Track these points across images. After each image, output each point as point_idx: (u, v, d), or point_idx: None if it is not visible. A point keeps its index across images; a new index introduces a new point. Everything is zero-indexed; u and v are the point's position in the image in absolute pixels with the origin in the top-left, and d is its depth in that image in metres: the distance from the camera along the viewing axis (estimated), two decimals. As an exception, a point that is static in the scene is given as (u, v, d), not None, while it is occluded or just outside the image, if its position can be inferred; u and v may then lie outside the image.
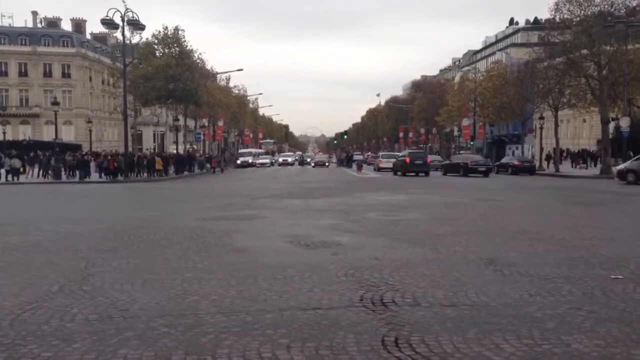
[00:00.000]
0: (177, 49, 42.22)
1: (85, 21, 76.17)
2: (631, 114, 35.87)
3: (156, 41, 42.17)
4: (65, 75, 68.40)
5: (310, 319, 4.87)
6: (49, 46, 68.31)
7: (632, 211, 14.70)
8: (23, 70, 67.49)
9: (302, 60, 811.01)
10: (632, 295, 5.65)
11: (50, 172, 33.97)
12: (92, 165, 36.75)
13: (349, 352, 4.08)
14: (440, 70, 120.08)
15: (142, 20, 33.37)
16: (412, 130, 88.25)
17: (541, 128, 41.81)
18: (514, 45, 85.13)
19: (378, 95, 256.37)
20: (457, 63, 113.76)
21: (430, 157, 43.27)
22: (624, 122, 32.69)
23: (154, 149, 64.66)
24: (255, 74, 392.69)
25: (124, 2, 32.75)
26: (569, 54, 34.89)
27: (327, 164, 64.33)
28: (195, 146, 60.31)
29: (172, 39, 42.20)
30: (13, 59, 67.11)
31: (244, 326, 4.67)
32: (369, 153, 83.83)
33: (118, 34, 37.24)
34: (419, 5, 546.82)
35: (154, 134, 74.57)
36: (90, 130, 49.44)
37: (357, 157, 63.31)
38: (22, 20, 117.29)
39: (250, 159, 61.58)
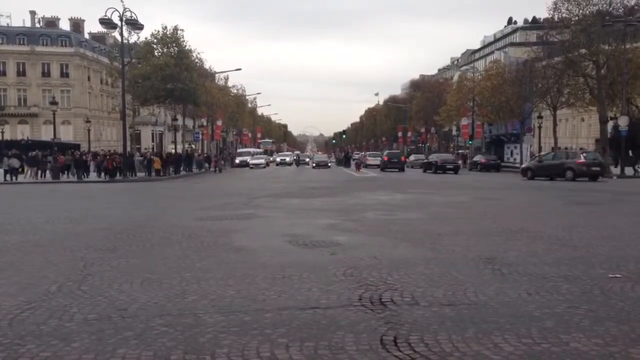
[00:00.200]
0: (176, 48, 42.21)
1: (84, 21, 76.17)
2: (629, 113, 35.90)
3: (155, 41, 42.16)
4: (64, 74, 68.35)
5: (309, 318, 4.87)
6: (47, 46, 68.27)
7: (631, 211, 14.70)
8: (21, 70, 67.44)
9: (301, 60, 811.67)
10: (631, 294, 5.66)
11: (48, 171, 33.98)
12: (91, 164, 36.78)
13: (348, 352, 4.08)
14: (439, 70, 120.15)
15: (141, 20, 33.41)
16: (411, 129, 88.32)
17: (540, 127, 41.88)
18: (512, 44, 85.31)
19: (377, 94, 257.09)
20: (455, 62, 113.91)
21: (413, 157, 56.50)
22: (623, 121, 32.71)
23: (153, 148, 64.57)
24: (253, 74, 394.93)
25: (122, 1, 32.80)
26: (568, 53, 34.96)
27: (329, 164, 58.49)
28: (193, 146, 60.28)
29: (170, 39, 42.20)
30: (11, 58, 67.06)
31: (242, 326, 4.67)
32: (361, 152, 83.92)
33: (116, 34, 37.16)
34: (417, 5, 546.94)
35: (153, 134, 74.47)
36: (89, 130, 49.45)
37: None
38: (20, 19, 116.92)
39: (248, 159, 61.17)
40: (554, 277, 6.33)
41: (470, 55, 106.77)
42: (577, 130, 66.07)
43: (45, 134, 58.02)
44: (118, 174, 33.71)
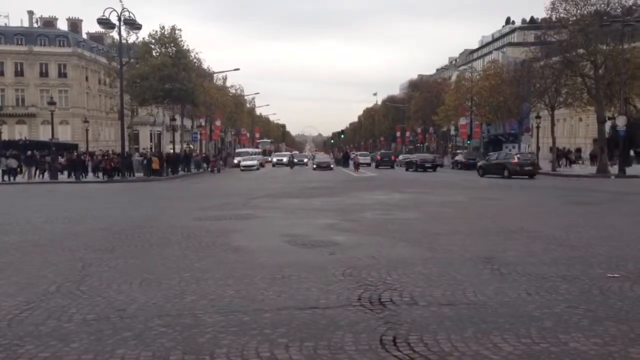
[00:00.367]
0: (174, 48, 42.13)
1: (82, 21, 75.99)
2: (627, 112, 35.92)
3: (153, 41, 42.09)
4: (62, 75, 68.20)
5: (308, 318, 4.87)
6: (45, 46, 68.12)
7: (630, 211, 14.72)
8: (19, 70, 67.29)
9: (301, 60, 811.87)
10: (629, 293, 5.67)
11: (47, 171, 33.95)
12: (89, 165, 36.73)
13: (347, 352, 4.08)
14: (437, 70, 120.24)
15: (140, 20, 33.38)
16: (409, 129, 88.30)
17: (537, 127, 41.90)
18: (510, 44, 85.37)
19: (375, 94, 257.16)
20: (453, 62, 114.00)
21: (402, 156, 60.94)
22: (620, 121, 32.72)
23: (151, 148, 64.49)
24: (253, 74, 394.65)
25: (120, 1, 32.73)
26: (566, 53, 34.93)
27: (331, 165, 50.55)
28: (192, 146, 60.21)
29: (168, 39, 42.11)
30: (9, 58, 66.91)
31: (242, 326, 4.67)
32: (355, 153, 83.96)
33: (114, 34, 37.12)
34: (417, 5, 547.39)
35: (151, 134, 74.36)
36: (87, 130, 49.37)
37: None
38: (18, 19, 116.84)
39: (240, 160, 60.07)
40: (552, 277, 6.34)
41: (469, 55, 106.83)
42: (575, 130, 66.14)
43: (43, 134, 57.92)
44: (116, 174, 33.67)
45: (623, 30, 32.13)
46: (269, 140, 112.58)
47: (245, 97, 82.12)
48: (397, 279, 6.28)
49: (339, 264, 7.13)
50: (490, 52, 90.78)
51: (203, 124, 60.06)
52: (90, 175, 35.73)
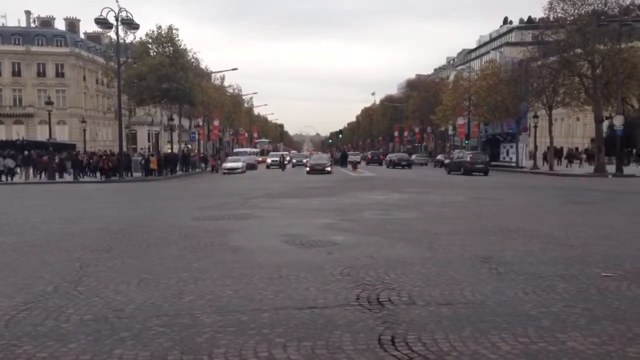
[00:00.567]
0: (171, 48, 42.11)
1: (79, 20, 76.01)
2: (625, 112, 35.99)
3: (150, 40, 42.06)
4: (59, 74, 68.08)
5: (307, 318, 4.87)
6: (43, 46, 68.01)
7: (627, 210, 14.74)
8: (16, 70, 67.16)
9: (300, 60, 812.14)
10: (627, 293, 5.67)
11: (44, 172, 33.89)
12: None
13: (346, 351, 4.08)
14: (435, 70, 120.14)
15: (138, 20, 33.36)
16: (407, 129, 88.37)
17: (535, 127, 41.93)
18: (508, 44, 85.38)
19: (373, 94, 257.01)
20: (451, 62, 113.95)
21: (389, 156, 63.82)
22: (618, 121, 32.78)
23: (149, 148, 64.41)
24: (253, 74, 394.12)
25: (117, 1, 32.71)
26: (563, 53, 34.98)
27: (328, 167, 40.92)
28: (189, 145, 60.16)
29: (165, 39, 42.09)
30: (6, 58, 66.78)
31: (240, 326, 4.67)
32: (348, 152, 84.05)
33: (112, 34, 37.08)
34: (417, 5, 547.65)
35: (149, 134, 74.27)
36: (85, 130, 49.28)
37: (353, 157, 58.47)
38: (15, 19, 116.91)
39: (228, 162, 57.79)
40: (550, 276, 6.35)
41: (466, 55, 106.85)
42: (572, 130, 66.23)
43: (41, 134, 57.73)
44: (114, 174, 33.62)
45: (620, 30, 32.19)
46: (267, 140, 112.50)
47: (243, 97, 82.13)
48: (395, 278, 6.28)
49: (337, 263, 7.13)
50: (488, 52, 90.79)
51: (201, 123, 60.00)
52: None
